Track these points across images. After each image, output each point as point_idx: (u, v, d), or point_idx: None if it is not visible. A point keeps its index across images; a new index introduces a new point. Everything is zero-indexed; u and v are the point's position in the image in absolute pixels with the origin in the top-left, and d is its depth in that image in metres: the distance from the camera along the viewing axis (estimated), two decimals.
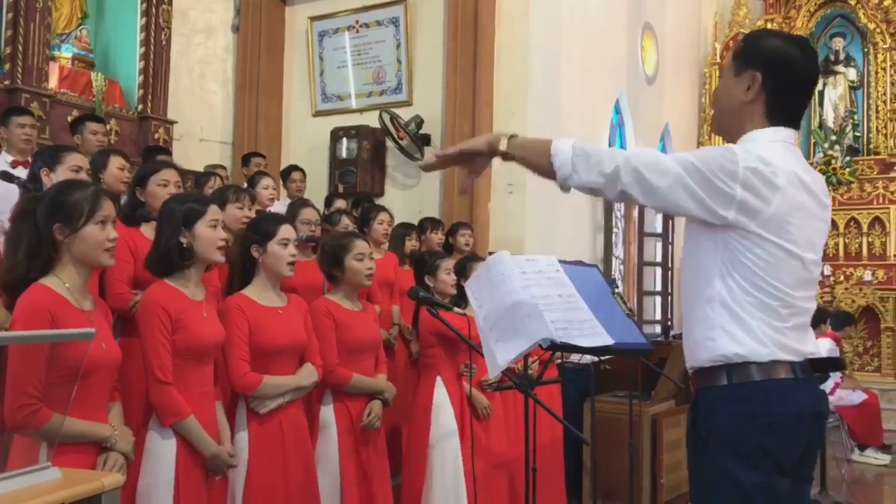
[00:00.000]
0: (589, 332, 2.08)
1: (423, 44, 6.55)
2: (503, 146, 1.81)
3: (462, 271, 3.77)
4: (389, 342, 4.23)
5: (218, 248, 2.43)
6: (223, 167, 5.96)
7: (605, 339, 2.08)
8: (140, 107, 6.43)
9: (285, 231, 2.74)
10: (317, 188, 6.50)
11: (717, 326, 1.66)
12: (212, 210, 2.45)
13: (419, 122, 6.31)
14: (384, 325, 4.09)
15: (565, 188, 1.78)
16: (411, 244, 4.73)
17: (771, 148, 1.69)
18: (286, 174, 5.94)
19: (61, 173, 2.87)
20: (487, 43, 6.12)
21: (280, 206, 5.25)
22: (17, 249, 1.98)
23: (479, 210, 5.98)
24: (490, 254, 2.56)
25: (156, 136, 6.39)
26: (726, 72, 1.80)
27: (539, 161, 1.78)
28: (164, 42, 6.56)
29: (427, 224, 5.17)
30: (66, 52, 6.27)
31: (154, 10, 6.48)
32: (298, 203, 4.16)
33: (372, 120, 6.61)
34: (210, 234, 2.42)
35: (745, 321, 1.64)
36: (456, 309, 2.97)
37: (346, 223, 4.28)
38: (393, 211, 4.83)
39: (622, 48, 7.75)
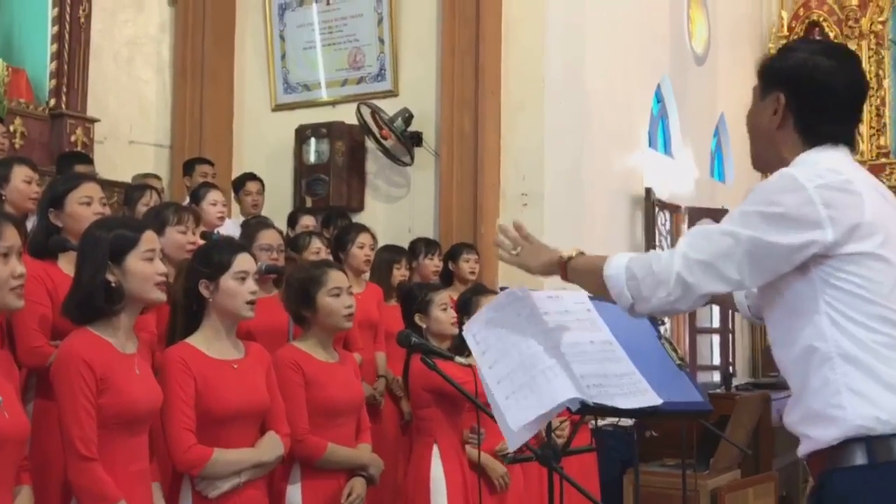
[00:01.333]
0: (630, 389, 2.08)
1: (412, 17, 6.59)
2: (561, 272, 2.06)
3: (466, 308, 3.79)
4: (374, 400, 4.22)
5: (156, 286, 2.44)
6: (157, 177, 5.98)
7: (652, 399, 2.07)
8: (52, 101, 6.46)
9: (243, 262, 2.74)
10: (278, 202, 6.52)
11: (844, 388, 1.63)
12: (147, 238, 2.45)
13: (407, 118, 6.34)
14: (367, 378, 4.09)
15: (637, 315, 1.92)
16: (400, 273, 4.74)
17: (830, 157, 1.76)
18: (239, 185, 5.98)
19: None
20: (493, 15, 6.17)
21: (231, 227, 5.27)
22: None
23: (485, 228, 5.99)
24: (502, 289, 2.55)
25: (72, 138, 6.42)
26: (754, 96, 1.90)
27: (597, 287, 1.94)
28: (81, 19, 6.61)
29: (420, 247, 5.19)
30: None
31: None
32: (255, 223, 4.18)
33: (348, 115, 6.64)
34: (145, 268, 2.42)
35: (880, 371, 1.61)
36: (458, 358, 2.97)
37: (316, 247, 4.29)
38: (376, 230, 4.86)
39: (664, 21, 7.83)
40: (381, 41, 6.69)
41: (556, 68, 6.24)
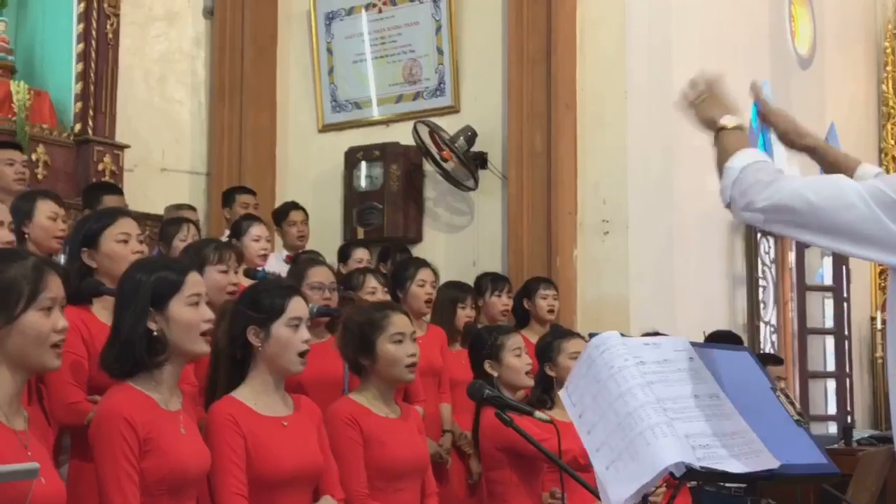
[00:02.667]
0: (742, 449, 2.04)
1: (475, 24, 6.64)
2: (721, 127, 2.28)
3: (547, 354, 3.78)
4: (439, 459, 4.22)
5: (201, 335, 2.48)
6: (192, 208, 6.09)
7: (768, 461, 2.03)
8: (78, 126, 6.67)
9: (297, 307, 2.77)
10: (326, 234, 6.61)
11: None
12: (192, 281, 2.49)
13: (470, 136, 6.38)
14: (430, 433, 4.08)
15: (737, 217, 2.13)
16: (465, 314, 4.75)
17: None
18: (281, 215, 6.05)
19: None
20: (566, 19, 6.20)
21: (275, 263, 5.35)
22: None
23: (560, 260, 5.98)
24: (591, 336, 2.54)
25: (100, 166, 6.61)
26: None
27: (719, 166, 2.19)
28: (109, 35, 6.83)
29: (486, 283, 5.20)
30: None
31: None
32: (305, 259, 4.22)
33: (403, 135, 6.71)
34: (190, 315, 2.46)
35: None
36: (538, 413, 2.96)
37: (372, 286, 4.32)
38: (436, 264, 4.88)
39: (762, 19, 7.77)
40: (440, 51, 6.76)
41: (640, 77, 6.22)
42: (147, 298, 2.44)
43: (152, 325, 2.43)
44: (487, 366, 3.74)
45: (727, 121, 2.28)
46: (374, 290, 4.32)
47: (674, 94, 6.71)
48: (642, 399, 2.03)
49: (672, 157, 6.42)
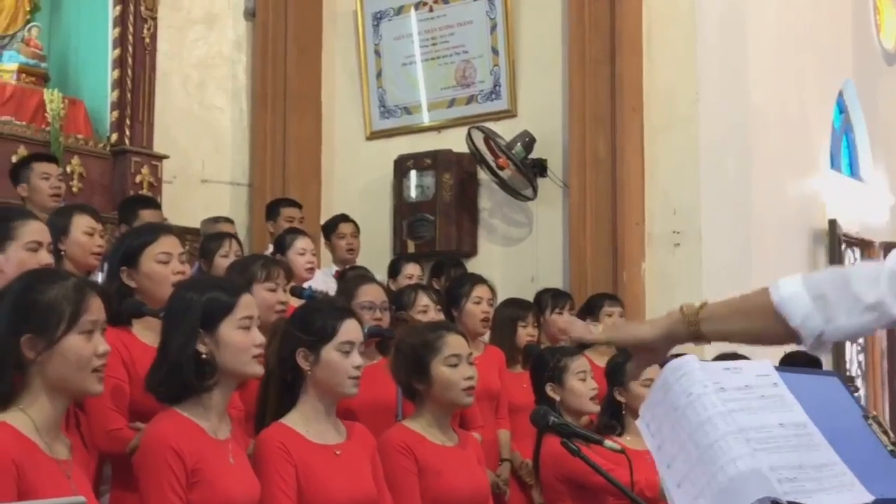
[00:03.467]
0: (832, 482, 2.02)
1: (532, 22, 6.65)
2: (690, 328, 1.92)
3: (617, 377, 3.76)
4: (497, 489, 4.21)
5: (253, 359, 2.51)
6: (229, 220, 6.15)
7: (860, 495, 2.00)
8: (114, 136, 6.79)
9: (350, 330, 2.80)
10: (375, 248, 6.65)
11: None
12: (244, 303, 2.53)
13: (528, 142, 6.38)
14: (488, 462, 4.07)
15: (820, 348, 1.86)
16: (526, 333, 4.74)
17: None
18: (330, 229, 6.11)
19: (14, 255, 2.99)
20: (631, 16, 6.18)
21: (322, 279, 5.39)
22: None
23: (628, 274, 5.95)
24: (669, 359, 2.52)
25: (137, 178, 6.72)
26: None
27: (757, 325, 1.88)
28: (146, 40, 6.95)
29: (546, 300, 5.18)
30: (9, 63, 6.73)
31: None
32: (354, 277, 4.26)
33: (457, 141, 6.73)
34: (241, 338, 2.49)
35: None
36: (608, 442, 2.95)
37: (424, 304, 4.33)
38: (492, 280, 4.88)
39: (845, 13, 7.68)
40: (495, 52, 6.77)
41: (712, 77, 6.19)
42: (197, 319, 2.48)
43: (201, 348, 2.47)
44: (549, 389, 3.74)
45: (687, 304, 1.96)
46: (426, 308, 4.33)
47: (749, 93, 6.69)
48: (723, 429, 2.01)
49: (748, 161, 6.37)
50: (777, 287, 1.84)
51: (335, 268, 5.91)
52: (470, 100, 6.88)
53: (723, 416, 2.03)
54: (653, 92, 6.16)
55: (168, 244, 3.05)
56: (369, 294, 3.91)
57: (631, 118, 6.10)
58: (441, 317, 4.34)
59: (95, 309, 2.14)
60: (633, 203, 6.06)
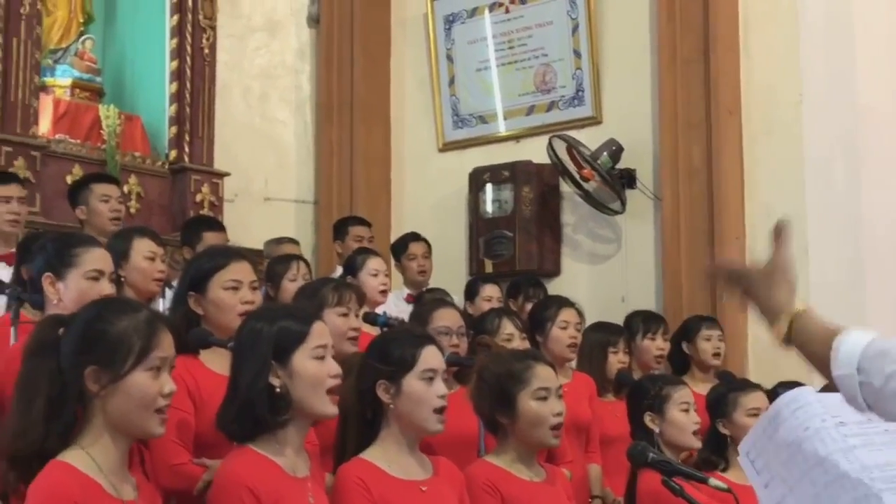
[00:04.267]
0: None
1: (617, 21, 6.62)
2: (782, 328, 1.95)
3: (720, 408, 3.71)
4: None
5: (328, 393, 2.50)
6: (294, 241, 6.19)
7: None
8: (173, 153, 6.89)
9: (430, 358, 2.80)
10: (449, 268, 6.62)
11: None
12: (317, 331, 2.52)
13: (615, 151, 6.33)
14: (578, 499, 4.02)
15: (859, 406, 1.83)
16: (618, 359, 4.69)
17: None
18: (400, 248, 6.11)
19: (74, 284, 3.04)
20: (726, 10, 6.11)
21: (393, 303, 5.37)
22: (32, 403, 2.10)
23: (727, 296, 5.83)
24: (776, 390, 2.44)
25: (198, 197, 6.80)
26: None
27: (820, 355, 1.88)
28: (205, 50, 7.04)
29: (638, 324, 5.11)
30: (62, 78, 6.84)
31: (189, 1, 6.96)
32: (430, 301, 4.24)
33: (537, 151, 6.71)
34: (316, 369, 2.49)
35: None
36: (713, 481, 2.87)
37: (509, 331, 4.29)
38: (577, 301, 4.83)
39: None
40: (577, 54, 6.73)
41: (817, 76, 6.07)
42: (268, 351, 2.48)
43: (274, 381, 2.47)
44: (648, 419, 3.68)
45: (799, 304, 1.98)
46: (510, 336, 4.28)
47: (858, 93, 6.52)
48: (845, 467, 1.99)
49: (858, 168, 6.21)
50: (848, 331, 1.86)
51: (406, 290, 5.91)
52: (550, 106, 6.85)
53: (844, 452, 1.99)
54: (751, 93, 6.09)
55: (238, 271, 3.06)
56: (445, 318, 3.89)
57: (727, 122, 6.03)
58: (526, 345, 4.30)
59: (166, 345, 2.16)
60: (731, 216, 5.99)
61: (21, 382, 2.16)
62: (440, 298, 4.61)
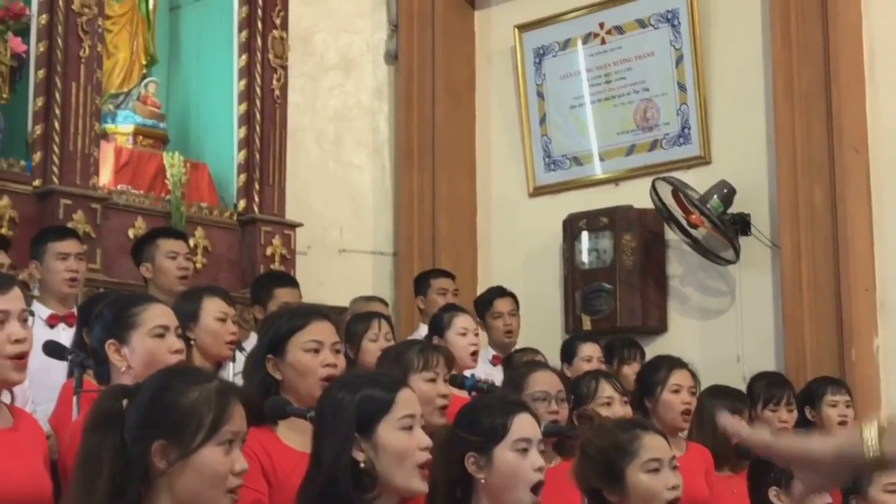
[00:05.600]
0: None
1: (726, 51, 6.60)
2: (872, 451, 1.74)
3: (854, 482, 3.60)
4: None
5: (418, 468, 2.48)
6: (383, 301, 6.18)
7: None
8: (242, 203, 6.94)
9: (524, 426, 2.78)
10: (543, 325, 6.59)
11: None
12: (403, 399, 2.52)
13: (727, 194, 6.29)
14: None
15: None
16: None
17: None
18: (485, 304, 6.06)
19: (140, 345, 3.07)
20: (850, 36, 6.06)
21: (481, 366, 5.32)
22: (93, 483, 2.09)
23: (857, 352, 5.77)
24: None
25: (268, 250, 6.82)
26: None
27: None
28: (276, 92, 7.11)
29: (758, 390, 5.01)
30: (124, 125, 6.94)
31: (259, 39, 7.04)
32: (525, 364, 4.19)
33: (638, 196, 6.68)
34: (403, 441, 2.49)
35: None
36: None
37: (608, 394, 4.24)
38: (690, 360, 4.73)
39: None
40: (682, 88, 6.71)
41: None
42: (351, 422, 2.47)
43: (358, 455, 2.46)
44: (773, 495, 3.64)
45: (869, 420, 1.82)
46: (609, 399, 4.23)
47: None
48: None
49: None
50: None
51: (491, 351, 5.86)
52: (653, 145, 6.84)
53: None
54: (879, 129, 6.03)
55: (319, 331, 3.06)
56: (543, 382, 3.84)
57: (853, 162, 5.97)
58: (627, 410, 4.24)
59: (238, 419, 2.16)
60: (859, 264, 5.90)
61: (81, 459, 2.16)
62: (536, 360, 4.59)
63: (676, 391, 4.44)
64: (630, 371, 5.28)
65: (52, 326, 4.48)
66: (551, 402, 3.82)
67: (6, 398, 2.85)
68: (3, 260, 4.17)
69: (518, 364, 4.61)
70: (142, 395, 2.18)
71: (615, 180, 6.99)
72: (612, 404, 4.22)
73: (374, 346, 4.37)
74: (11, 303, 2.77)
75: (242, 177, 6.92)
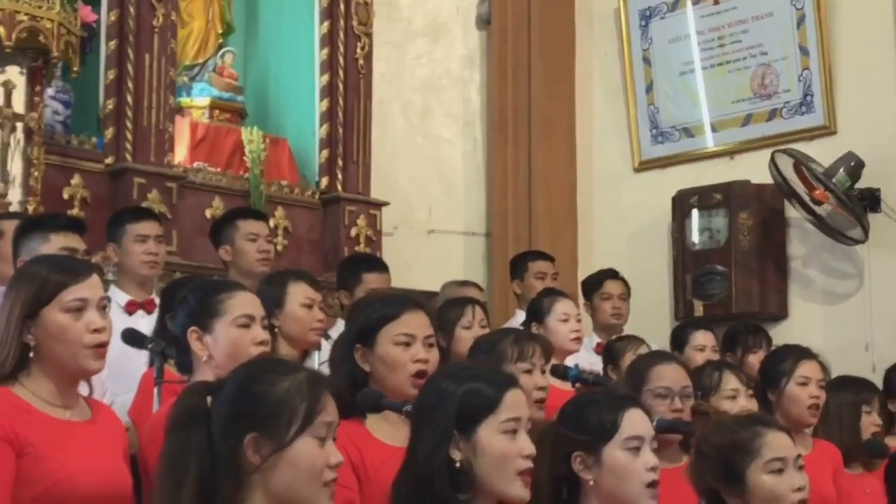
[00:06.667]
0: None
1: (853, 10, 6.53)
2: None
3: None
4: None
5: (518, 475, 2.46)
6: (478, 287, 6.16)
7: None
8: (325, 181, 6.98)
9: (635, 423, 2.74)
10: (649, 311, 6.58)
11: None
12: (511, 401, 2.49)
13: (854, 168, 6.23)
14: None
15: None
16: (871, 422, 4.53)
17: None
18: (594, 286, 6.05)
19: (223, 334, 3.07)
20: None
21: (583, 354, 5.29)
22: (181, 485, 2.10)
23: None
24: None
25: (352, 231, 6.86)
26: None
27: None
28: (360, 62, 7.13)
29: (894, 381, 4.95)
30: (199, 98, 7.00)
31: (342, 4, 7.04)
32: (650, 355, 4.17)
33: (756, 170, 6.65)
34: (505, 446, 2.47)
35: None
36: None
37: (733, 387, 4.18)
38: (816, 347, 4.63)
39: None
40: (805, 51, 6.66)
41: None
42: (451, 417, 2.46)
43: (455, 454, 2.46)
44: None
45: None
46: (734, 392, 4.18)
47: None
48: None
49: None
50: None
51: (596, 339, 5.83)
52: (772, 115, 6.80)
53: None
54: None
55: (412, 323, 3.04)
56: (666, 377, 3.80)
57: None
58: (753, 404, 4.19)
59: (331, 409, 2.17)
60: None
61: (166, 461, 2.18)
62: (659, 351, 4.53)
63: (804, 384, 4.36)
64: (755, 360, 5.18)
65: (130, 313, 4.54)
66: (674, 400, 3.78)
67: (84, 390, 2.88)
68: (78, 245, 4.18)
69: (641, 357, 4.54)
70: (228, 388, 2.18)
71: (730, 153, 6.96)
72: (736, 398, 4.18)
73: (467, 334, 4.35)
74: (90, 290, 2.78)
75: (325, 153, 6.96)
